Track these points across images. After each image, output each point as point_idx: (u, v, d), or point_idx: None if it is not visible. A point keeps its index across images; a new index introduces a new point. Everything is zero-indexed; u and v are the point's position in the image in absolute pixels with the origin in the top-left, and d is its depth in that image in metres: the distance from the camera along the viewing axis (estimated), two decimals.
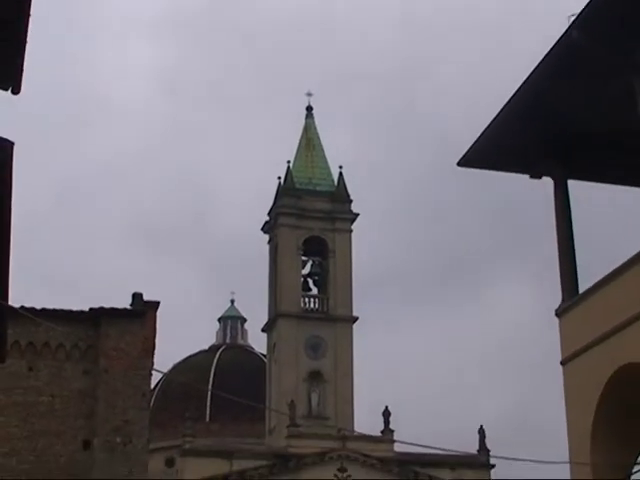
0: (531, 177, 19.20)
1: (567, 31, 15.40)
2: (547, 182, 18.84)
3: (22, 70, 17.36)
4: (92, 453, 32.55)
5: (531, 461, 18.40)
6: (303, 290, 74.09)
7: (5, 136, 16.65)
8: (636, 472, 16.64)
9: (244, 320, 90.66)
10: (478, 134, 18.32)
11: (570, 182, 18.70)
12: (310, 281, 75.20)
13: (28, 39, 16.44)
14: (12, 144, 16.68)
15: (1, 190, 17.22)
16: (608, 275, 16.73)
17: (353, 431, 65.74)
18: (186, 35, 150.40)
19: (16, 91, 17.90)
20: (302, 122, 79.83)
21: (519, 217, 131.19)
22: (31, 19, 15.97)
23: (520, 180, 19.57)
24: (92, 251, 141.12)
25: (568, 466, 17.57)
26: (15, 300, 25.06)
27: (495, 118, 17.71)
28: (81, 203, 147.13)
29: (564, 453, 17.75)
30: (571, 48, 15.43)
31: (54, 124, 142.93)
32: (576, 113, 17.32)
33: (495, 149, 18.50)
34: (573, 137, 17.92)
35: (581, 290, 17.73)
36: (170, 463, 66.11)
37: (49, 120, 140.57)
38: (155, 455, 55.08)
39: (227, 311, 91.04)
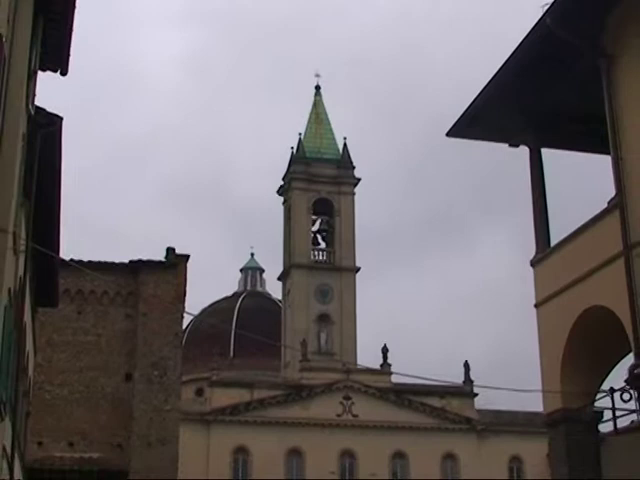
0: (510, 146, 19.11)
1: (541, 19, 15.29)
2: (524, 150, 18.75)
3: (69, 55, 17.29)
4: (133, 384, 32.71)
5: (509, 389, 18.45)
6: (313, 244, 74.19)
7: (55, 112, 16.63)
8: (599, 398, 16.66)
9: (262, 270, 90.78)
10: (464, 108, 18.22)
11: (544, 150, 18.62)
12: (319, 237, 75.32)
13: (75, 28, 16.36)
14: (61, 119, 16.65)
15: (53, 157, 17.21)
16: (575, 230, 16.67)
17: (356, 365, 65.95)
18: (210, 25, 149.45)
19: (64, 72, 17.84)
20: (311, 99, 79.56)
21: (500, 180, 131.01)
22: (77, 10, 15.90)
23: (500, 148, 19.49)
24: (132, 211, 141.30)
25: (541, 394, 17.60)
26: (65, 253, 25.13)
27: (479, 94, 17.60)
28: (121, 169, 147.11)
29: (537, 383, 17.79)
30: (545, 33, 15.32)
31: (98, 101, 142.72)
32: (550, 90, 17.20)
33: (479, 121, 18.40)
34: (547, 111, 17.84)
35: (552, 243, 17.69)
36: (200, 393, 66.43)
37: (94, 97, 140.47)
38: (187, 386, 55.34)
39: (248, 263, 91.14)
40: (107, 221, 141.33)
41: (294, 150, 75.46)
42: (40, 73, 17.48)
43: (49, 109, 16.56)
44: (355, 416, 63.07)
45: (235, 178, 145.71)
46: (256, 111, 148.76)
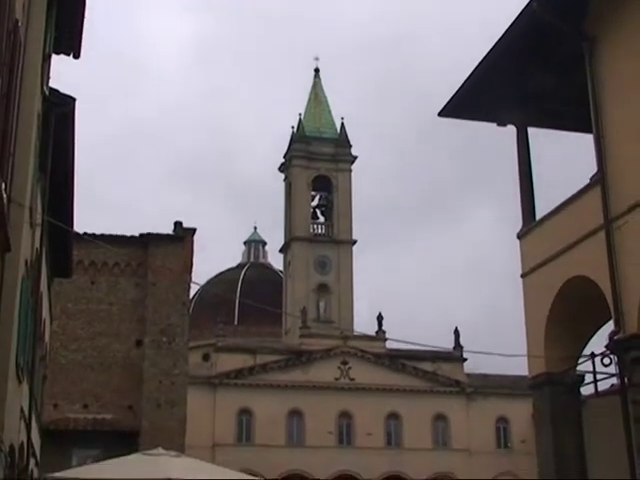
0: (498, 125, 19.06)
1: (529, 4, 15.23)
2: (511, 129, 18.71)
3: (81, 39, 17.22)
4: (143, 350, 32.84)
5: (496, 354, 18.50)
6: (312, 219, 74.15)
7: (69, 93, 16.59)
8: (581, 363, 16.73)
9: (265, 243, 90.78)
10: (455, 90, 18.17)
11: (530, 129, 18.58)
12: (318, 211, 75.24)
13: (86, 13, 16.29)
14: (74, 100, 16.61)
15: (66, 136, 17.18)
16: (559, 205, 16.68)
17: (353, 332, 66.12)
18: (217, 10, 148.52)
19: (77, 56, 17.77)
20: (311, 82, 79.18)
21: (488, 158, 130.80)
22: None
23: (489, 128, 19.44)
24: (142, 187, 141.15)
25: (526, 359, 17.66)
26: (79, 227, 25.13)
27: (469, 76, 17.55)
28: (132, 148, 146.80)
29: (523, 348, 17.85)
30: (532, 17, 15.26)
31: (110, 83, 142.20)
32: (536, 72, 17.16)
33: (469, 102, 18.35)
34: (533, 92, 17.79)
35: (538, 217, 17.70)
36: (206, 358, 66.63)
37: (106, 79, 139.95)
38: (193, 351, 55.50)
39: (251, 236, 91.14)
40: (118, 197, 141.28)
41: (294, 129, 75.26)
42: (54, 56, 17.42)
43: (63, 90, 16.55)
44: (352, 380, 63.30)
45: (239, 156, 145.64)
46: (259, 93, 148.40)
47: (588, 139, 16.20)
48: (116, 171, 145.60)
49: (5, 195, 11.87)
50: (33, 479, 22.49)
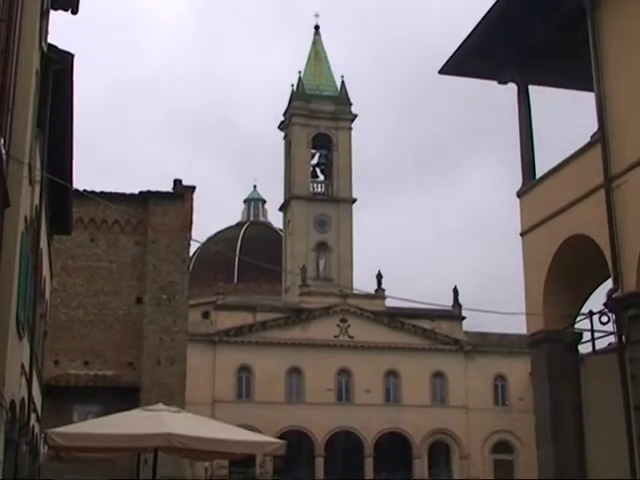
0: (499, 83, 18.94)
1: None
2: (512, 87, 18.60)
3: None
4: (143, 307, 32.97)
5: (494, 312, 18.59)
6: (312, 177, 74.01)
7: (67, 49, 16.46)
8: (579, 321, 16.78)
9: (264, 202, 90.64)
10: (456, 47, 18.03)
11: (531, 87, 18.48)
12: (318, 170, 75.06)
13: None
14: (72, 56, 16.47)
15: (65, 92, 17.07)
16: (559, 163, 16.64)
17: (352, 290, 66.29)
18: None
19: (75, 11, 17.61)
20: (311, 39, 78.58)
21: (489, 117, 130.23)
22: None
23: (490, 86, 19.31)
24: (141, 145, 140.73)
25: (525, 317, 17.71)
26: (78, 185, 25.08)
27: (470, 33, 17.41)
28: (128, 104, 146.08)
29: (522, 307, 17.89)
30: None
31: (109, 39, 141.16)
32: (537, 29, 17.02)
33: (470, 60, 18.23)
34: (534, 49, 17.65)
35: (538, 176, 17.66)
36: (206, 315, 66.80)
37: (102, 34, 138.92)
38: (194, 309, 55.70)
39: (250, 194, 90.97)
40: (117, 156, 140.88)
41: (294, 87, 74.85)
42: (52, 12, 17.25)
43: (61, 47, 16.41)
44: (351, 337, 63.59)
45: (240, 115, 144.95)
46: (259, 51, 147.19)
47: (589, 97, 16.11)
48: (114, 130, 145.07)
49: (4, 151, 11.83)
50: (34, 434, 22.67)
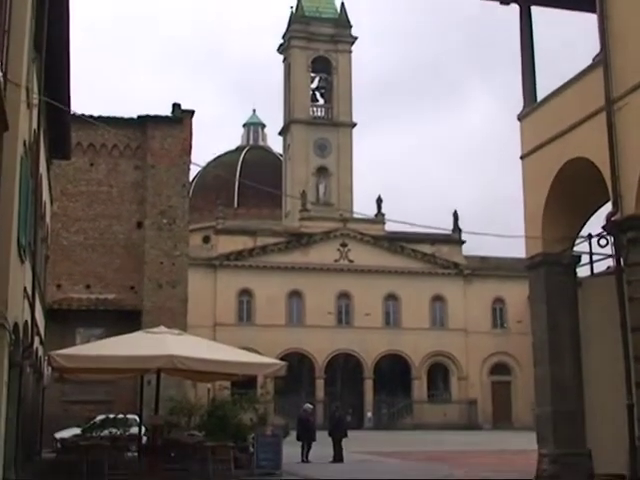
0: (501, 3, 18.62)
1: None
2: (514, 8, 18.32)
3: None
4: (144, 231, 33.04)
5: (493, 235, 18.61)
6: (312, 101, 73.50)
7: None
8: (578, 244, 16.83)
9: (264, 126, 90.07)
10: None
11: (533, 8, 18.20)
12: (317, 94, 74.44)
13: None
14: None
15: (61, 14, 16.84)
16: (561, 86, 16.51)
17: (352, 214, 66.39)
18: None
19: None
20: None
21: (491, 41, 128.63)
22: None
23: (491, 7, 19.03)
24: (140, 70, 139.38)
25: (524, 240, 17.75)
26: (76, 109, 24.88)
27: None
28: (130, 30, 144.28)
29: (521, 231, 17.91)
30: None
31: None
32: None
33: None
34: None
35: (539, 98, 17.52)
36: (206, 240, 66.99)
37: None
38: (194, 234, 55.80)
39: (250, 118, 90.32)
40: (115, 81, 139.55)
41: (293, 9, 73.86)
42: None
43: None
44: (351, 261, 63.93)
45: (238, 37, 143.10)
46: None
47: (592, 20, 15.88)
48: (112, 55, 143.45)
49: (1, 73, 11.71)
50: (38, 357, 22.94)
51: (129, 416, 23.99)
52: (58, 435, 25.68)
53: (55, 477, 17.94)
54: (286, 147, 73.70)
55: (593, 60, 15.40)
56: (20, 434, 16.31)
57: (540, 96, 17.57)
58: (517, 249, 20.08)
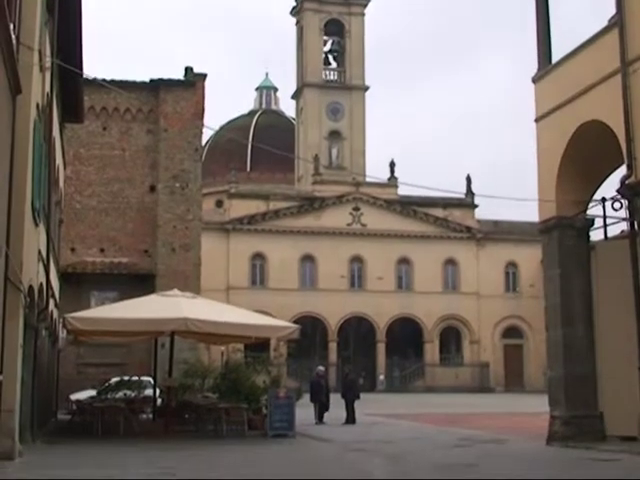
0: None
1: None
2: None
3: None
4: (157, 195, 33.05)
5: (506, 198, 18.58)
6: (324, 64, 73.12)
7: None
8: (592, 207, 16.76)
9: (276, 89, 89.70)
10: None
11: None
12: (330, 57, 74.02)
13: None
14: None
15: None
16: (576, 48, 16.36)
17: (365, 178, 66.26)
18: None
19: None
20: None
21: (505, 1, 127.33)
22: None
23: None
24: (152, 34, 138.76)
25: (537, 204, 17.67)
26: (88, 71, 24.81)
27: None
28: None
29: (535, 194, 17.82)
30: None
31: None
32: None
33: None
34: None
35: (554, 61, 17.36)
36: (219, 204, 67.00)
37: None
38: (207, 198, 55.79)
39: (263, 82, 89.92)
40: (128, 42, 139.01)
41: None
42: None
43: None
44: (364, 225, 63.90)
45: (251, 0, 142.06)
46: None
47: None
48: (125, 16, 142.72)
49: (14, 36, 11.68)
50: (53, 320, 23.10)
51: (143, 378, 24.18)
52: (73, 397, 25.89)
53: (71, 438, 18.12)
54: (299, 111, 73.44)
55: (608, 22, 15.24)
56: (36, 396, 16.47)
57: (555, 58, 17.42)
58: (530, 214, 20.03)
